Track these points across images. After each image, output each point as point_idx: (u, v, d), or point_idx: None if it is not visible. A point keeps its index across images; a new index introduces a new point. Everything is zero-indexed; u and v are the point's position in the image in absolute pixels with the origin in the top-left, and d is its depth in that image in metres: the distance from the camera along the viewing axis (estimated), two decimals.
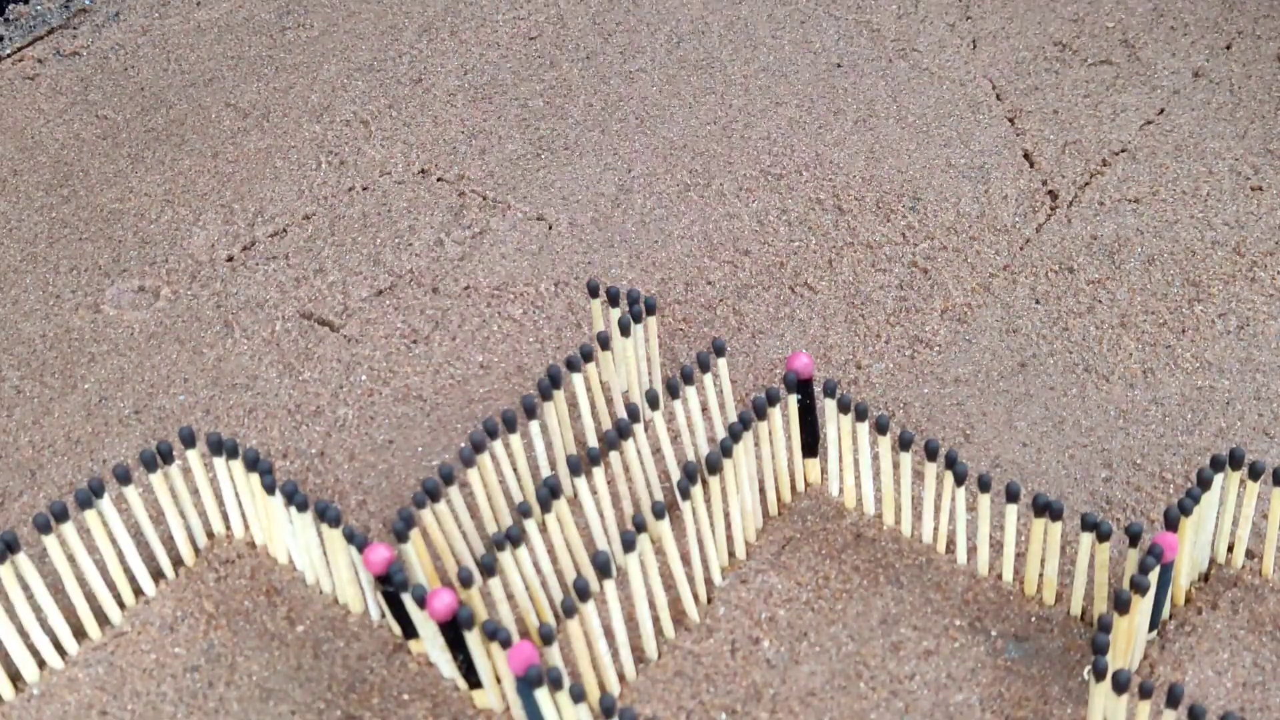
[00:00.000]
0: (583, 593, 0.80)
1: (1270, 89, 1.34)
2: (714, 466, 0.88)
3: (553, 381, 0.94)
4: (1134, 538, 0.84)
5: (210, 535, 0.99)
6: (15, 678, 0.91)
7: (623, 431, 0.92)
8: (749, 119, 1.37)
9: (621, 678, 0.88)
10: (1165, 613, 0.88)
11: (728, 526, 0.94)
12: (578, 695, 0.77)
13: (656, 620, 0.90)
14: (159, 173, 1.37)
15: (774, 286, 1.17)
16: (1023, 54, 1.42)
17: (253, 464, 0.92)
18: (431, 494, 0.89)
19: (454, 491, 0.91)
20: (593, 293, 1.03)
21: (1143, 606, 0.82)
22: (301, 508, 0.90)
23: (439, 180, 1.33)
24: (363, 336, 1.16)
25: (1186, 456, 1.00)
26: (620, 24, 1.53)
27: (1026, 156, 1.29)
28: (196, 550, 0.98)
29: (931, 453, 0.88)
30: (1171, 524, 0.83)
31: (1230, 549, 0.92)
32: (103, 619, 0.94)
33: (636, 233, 1.24)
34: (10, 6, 1.62)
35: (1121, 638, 0.82)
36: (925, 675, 0.87)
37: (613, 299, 1.01)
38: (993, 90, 1.38)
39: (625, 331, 0.99)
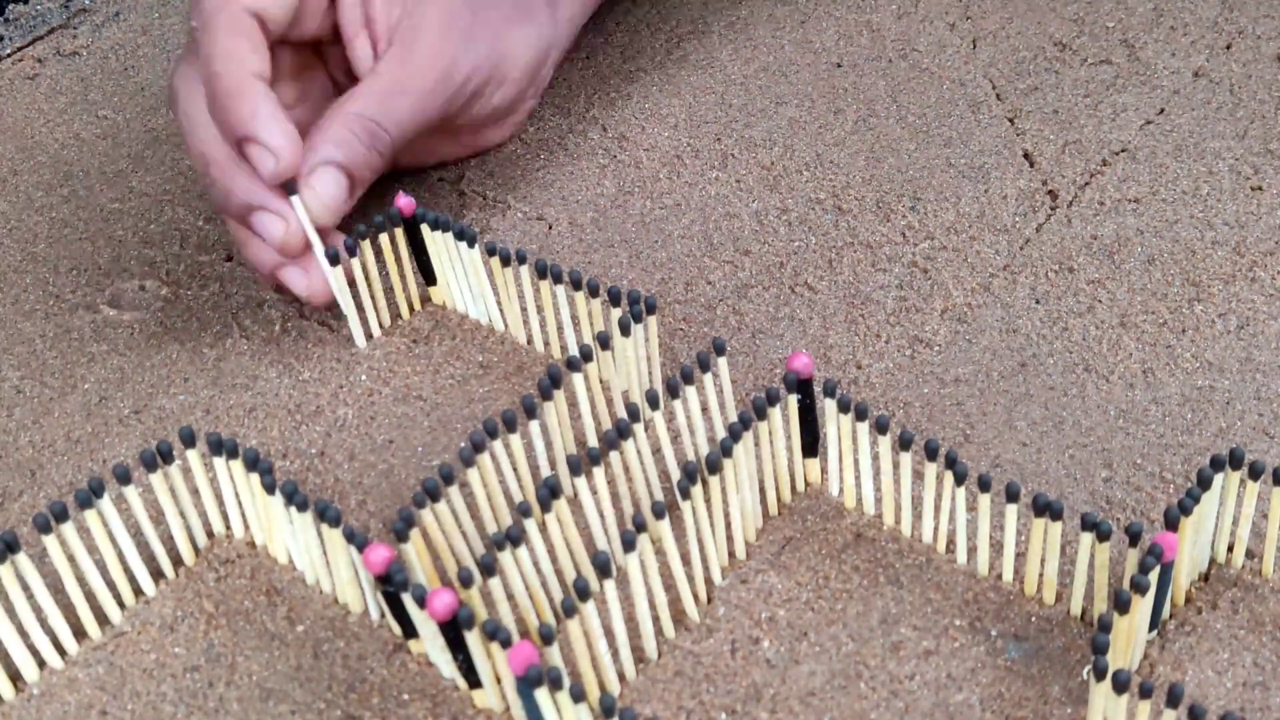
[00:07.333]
0: (583, 593, 0.80)
1: (1270, 89, 1.34)
2: (714, 466, 0.88)
3: (553, 381, 0.94)
4: (1134, 538, 0.84)
5: (210, 535, 0.99)
6: (15, 678, 0.91)
7: (623, 431, 0.92)
8: (749, 119, 1.37)
9: (621, 678, 0.88)
10: (1165, 613, 0.88)
11: (728, 526, 0.94)
12: (578, 695, 0.77)
13: (656, 620, 0.90)
14: (159, 173, 1.37)
15: (774, 286, 1.17)
16: (1023, 54, 1.42)
17: (253, 464, 0.92)
18: (431, 494, 0.89)
19: (454, 491, 0.91)
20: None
21: (1143, 606, 0.82)
22: (301, 508, 0.90)
23: (439, 180, 1.33)
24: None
25: (1186, 456, 1.00)
26: (620, 24, 1.53)
27: (1026, 156, 1.29)
28: (196, 550, 0.98)
29: (931, 453, 0.88)
30: (1171, 524, 0.83)
31: (1230, 549, 0.92)
32: (103, 619, 0.94)
33: (636, 233, 1.24)
34: (10, 6, 1.62)
35: (1121, 638, 0.82)
36: (925, 675, 0.87)
37: (613, 299, 1.01)
38: (993, 90, 1.37)
39: (625, 331, 0.99)
